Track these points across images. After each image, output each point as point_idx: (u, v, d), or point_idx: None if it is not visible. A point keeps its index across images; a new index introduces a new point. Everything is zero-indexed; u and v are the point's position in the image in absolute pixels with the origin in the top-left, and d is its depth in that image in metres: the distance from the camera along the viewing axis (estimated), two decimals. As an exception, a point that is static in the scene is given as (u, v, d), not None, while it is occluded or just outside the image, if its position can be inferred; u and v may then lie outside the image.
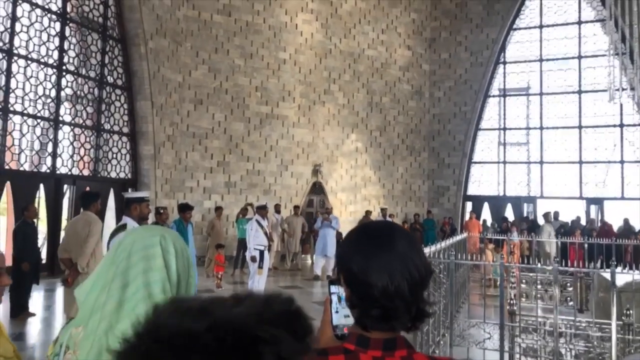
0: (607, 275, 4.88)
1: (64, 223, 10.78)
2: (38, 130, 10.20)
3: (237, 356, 0.45)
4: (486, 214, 15.83)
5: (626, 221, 12.96)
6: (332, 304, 1.05)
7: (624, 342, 4.33)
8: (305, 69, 14.87)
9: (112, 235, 4.23)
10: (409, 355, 0.99)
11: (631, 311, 4.37)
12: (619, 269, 4.62)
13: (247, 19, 14.05)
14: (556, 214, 13.44)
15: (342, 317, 1.05)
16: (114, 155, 11.83)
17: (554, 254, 10.62)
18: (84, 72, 11.24)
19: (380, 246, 1.02)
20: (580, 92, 15.30)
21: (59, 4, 10.69)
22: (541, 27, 15.90)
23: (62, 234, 10.74)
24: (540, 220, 14.53)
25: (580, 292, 7.47)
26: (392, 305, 0.97)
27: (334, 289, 1.06)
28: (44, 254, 9.84)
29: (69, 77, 10.87)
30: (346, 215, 14.81)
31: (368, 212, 13.41)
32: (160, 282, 1.08)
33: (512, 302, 4.94)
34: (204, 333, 0.46)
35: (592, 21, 15.42)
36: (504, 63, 16.22)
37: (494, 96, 16.32)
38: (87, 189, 10.33)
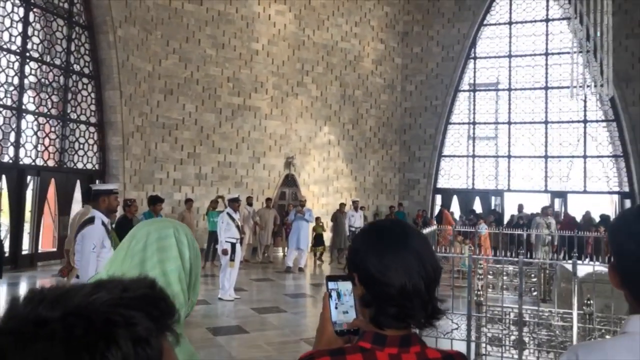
0: (569, 266, 5.06)
1: (27, 215, 10.47)
2: (0, 119, 9.84)
3: (89, 340, 0.46)
4: (455, 206, 16.13)
5: (587, 213, 13.37)
6: (331, 300, 1.06)
7: (585, 331, 4.50)
8: (278, 60, 14.77)
9: (80, 228, 4.13)
10: (422, 350, 1.01)
11: (592, 301, 4.54)
12: (580, 260, 4.80)
13: (219, 8, 13.84)
14: (520, 206, 13.79)
15: (341, 313, 1.05)
16: (81, 146, 11.52)
17: (544, 246, 10.86)
18: (48, 59, 10.88)
19: (396, 245, 1.02)
20: (546, 88, 15.70)
21: (22, -12, 10.30)
22: (510, 23, 16.21)
23: (26, 226, 10.46)
24: (508, 213, 14.94)
25: (543, 283, 7.71)
26: (410, 303, 0.98)
27: (332, 285, 1.06)
28: (6, 247, 9.54)
29: (33, 64, 10.50)
30: (318, 207, 14.85)
31: (342, 205, 13.46)
32: (176, 271, 1.14)
33: (479, 293, 5.07)
34: (55, 321, 0.47)
35: (558, 19, 15.81)
36: (475, 58, 16.48)
37: (464, 91, 16.58)
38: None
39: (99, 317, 0.48)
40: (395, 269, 0.99)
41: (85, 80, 11.56)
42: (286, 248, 11.92)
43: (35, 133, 10.57)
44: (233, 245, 8.04)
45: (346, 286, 1.06)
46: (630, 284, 1.00)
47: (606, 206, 14.93)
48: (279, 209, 13.81)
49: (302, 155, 15.02)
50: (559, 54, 15.58)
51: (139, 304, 0.50)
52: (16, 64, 10.03)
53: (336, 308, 1.05)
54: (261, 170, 14.42)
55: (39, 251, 10.55)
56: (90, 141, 11.71)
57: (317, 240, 12.80)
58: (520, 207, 13.91)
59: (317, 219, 13.19)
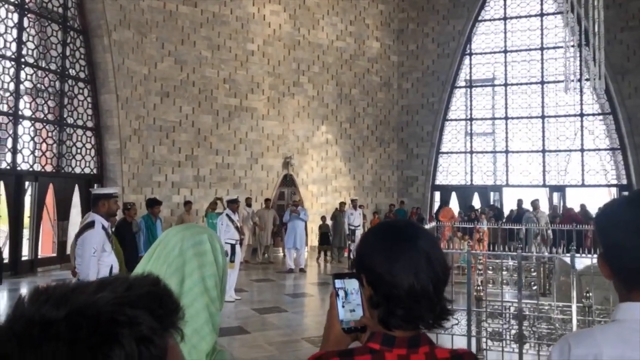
0: (567, 259, 5.08)
1: (26, 221, 10.47)
2: (-4, 126, 9.84)
3: (93, 341, 0.46)
4: (454, 203, 16.15)
5: (582, 207, 13.32)
6: (338, 298, 1.06)
7: (584, 324, 4.52)
8: (274, 60, 14.76)
9: (80, 233, 4.14)
10: (431, 350, 1.01)
11: (590, 294, 4.56)
12: (578, 253, 4.82)
13: (214, 9, 13.84)
14: (520, 201, 13.77)
15: (348, 311, 1.05)
16: (78, 151, 11.52)
17: (537, 239, 11.00)
18: (44, 64, 10.87)
19: (404, 245, 1.01)
20: (542, 82, 15.72)
21: (16, -7, 10.29)
22: (505, 19, 16.23)
23: (25, 232, 10.46)
24: (507, 208, 14.95)
25: (542, 277, 7.73)
26: (418, 305, 0.98)
27: (339, 283, 1.07)
28: (6, 253, 9.54)
29: (29, 69, 10.50)
30: (317, 207, 14.86)
31: (342, 204, 13.42)
32: (213, 277, 1.14)
33: (479, 288, 5.08)
34: (60, 321, 0.47)
35: (553, 13, 15.83)
36: (470, 54, 16.49)
37: (460, 87, 16.59)
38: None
39: (104, 317, 0.48)
40: (403, 269, 0.98)
41: (81, 84, 11.56)
42: (285, 248, 11.91)
43: (32, 138, 10.56)
44: (233, 247, 8.05)
45: (353, 284, 1.06)
46: (618, 273, 1.02)
47: (604, 199, 14.95)
48: (278, 209, 13.80)
49: (300, 155, 15.03)
50: (554, 48, 15.59)
51: (143, 302, 0.51)
52: (12, 70, 10.02)
53: (343, 306, 1.05)
54: (259, 170, 14.42)
55: (39, 257, 10.54)
56: (88, 145, 11.71)
57: (323, 238, 12.86)
58: (520, 202, 13.88)
59: (323, 217, 13.23)
